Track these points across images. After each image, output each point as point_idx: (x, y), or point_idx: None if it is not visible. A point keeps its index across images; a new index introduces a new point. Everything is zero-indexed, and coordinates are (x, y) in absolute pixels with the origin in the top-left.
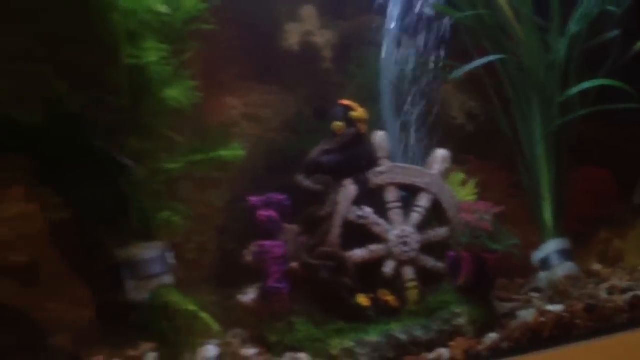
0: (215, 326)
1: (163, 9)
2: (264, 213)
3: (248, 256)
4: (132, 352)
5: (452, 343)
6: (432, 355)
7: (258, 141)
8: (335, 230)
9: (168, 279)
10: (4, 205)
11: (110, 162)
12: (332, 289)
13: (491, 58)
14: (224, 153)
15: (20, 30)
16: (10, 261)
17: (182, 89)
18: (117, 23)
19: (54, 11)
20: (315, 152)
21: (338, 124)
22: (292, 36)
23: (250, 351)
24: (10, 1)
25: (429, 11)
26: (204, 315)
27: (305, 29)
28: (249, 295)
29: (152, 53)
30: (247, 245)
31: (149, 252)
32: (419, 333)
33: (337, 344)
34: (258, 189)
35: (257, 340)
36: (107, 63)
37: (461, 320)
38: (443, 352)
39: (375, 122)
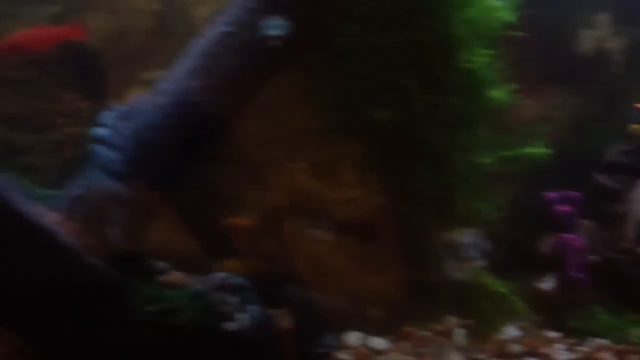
0: (523, 309)
1: (511, 18)
2: (562, 208)
3: (545, 247)
4: (439, 327)
5: None
6: None
7: (550, 140)
8: (632, 228)
9: (481, 262)
10: (338, 189)
11: (441, 155)
12: (632, 283)
13: None
14: (531, 150)
15: (386, 40)
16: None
17: (503, 91)
18: (459, 31)
19: (409, 20)
20: (614, 153)
21: (635, 127)
22: (586, 42)
23: (552, 334)
24: (379, 14)
25: None
26: (513, 298)
27: (599, 35)
28: (547, 283)
29: (480, 57)
30: (538, 237)
31: (468, 237)
32: None
33: (639, 334)
34: (548, 186)
35: (552, 325)
36: (447, 67)
37: None
38: None
39: None
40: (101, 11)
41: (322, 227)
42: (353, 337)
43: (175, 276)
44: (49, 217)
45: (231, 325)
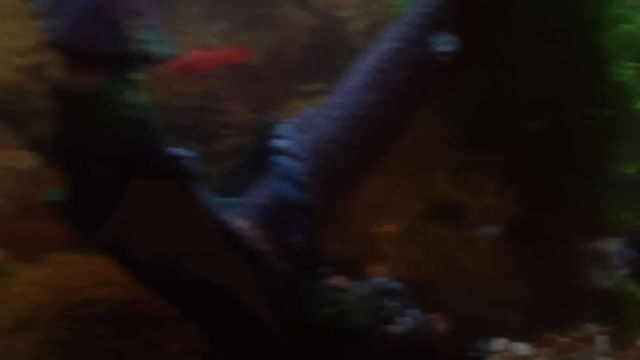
0: None
1: None
2: None
3: None
4: (577, 334)
5: None
6: None
7: None
8: None
9: (625, 271)
10: (480, 197)
11: (593, 166)
12: None
13: None
14: None
15: (541, 52)
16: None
17: None
18: (612, 44)
19: (566, 34)
20: None
21: None
22: None
23: None
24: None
25: None
26: None
27: None
28: None
29: (628, 70)
30: None
31: (614, 246)
32: None
33: None
34: None
35: None
36: (599, 79)
37: None
38: None
39: None
40: (264, 27)
41: (463, 233)
42: (497, 343)
43: (339, 280)
44: (239, 224)
45: (396, 329)
